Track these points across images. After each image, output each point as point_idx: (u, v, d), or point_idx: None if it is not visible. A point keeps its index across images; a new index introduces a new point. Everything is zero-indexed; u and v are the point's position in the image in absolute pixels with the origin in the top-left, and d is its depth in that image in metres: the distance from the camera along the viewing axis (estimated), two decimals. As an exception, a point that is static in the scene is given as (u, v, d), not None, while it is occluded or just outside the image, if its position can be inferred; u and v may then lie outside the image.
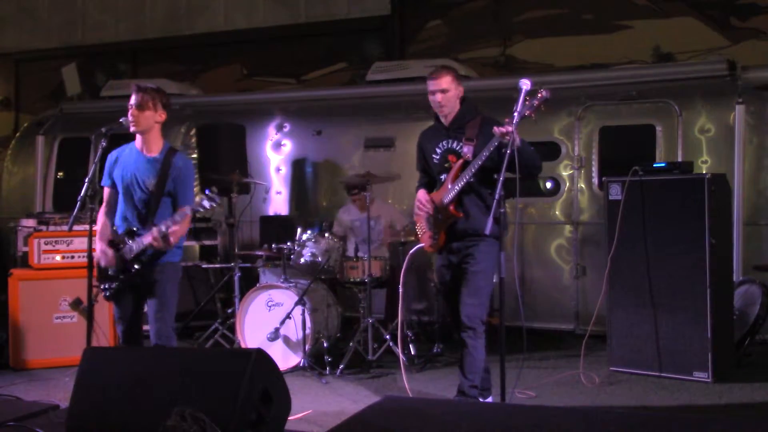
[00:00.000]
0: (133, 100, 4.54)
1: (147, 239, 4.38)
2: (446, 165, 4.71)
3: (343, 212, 7.30)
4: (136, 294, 4.55)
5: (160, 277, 4.50)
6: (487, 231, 4.20)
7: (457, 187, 4.57)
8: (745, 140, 6.71)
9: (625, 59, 8.59)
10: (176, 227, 4.36)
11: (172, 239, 4.38)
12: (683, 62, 8.49)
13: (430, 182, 4.93)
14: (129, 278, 4.48)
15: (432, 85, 4.67)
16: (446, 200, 4.63)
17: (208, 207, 4.36)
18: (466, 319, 4.53)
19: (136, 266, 4.46)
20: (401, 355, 5.66)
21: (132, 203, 4.55)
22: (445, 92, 4.65)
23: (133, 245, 4.45)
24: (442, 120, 4.77)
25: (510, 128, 4.22)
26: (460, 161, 4.62)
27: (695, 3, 9.04)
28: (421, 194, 4.82)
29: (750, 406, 4.98)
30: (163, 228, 4.35)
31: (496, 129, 4.30)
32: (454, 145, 4.69)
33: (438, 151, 4.77)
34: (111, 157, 4.66)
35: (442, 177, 4.74)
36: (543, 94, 4.33)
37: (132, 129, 4.55)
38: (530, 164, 4.48)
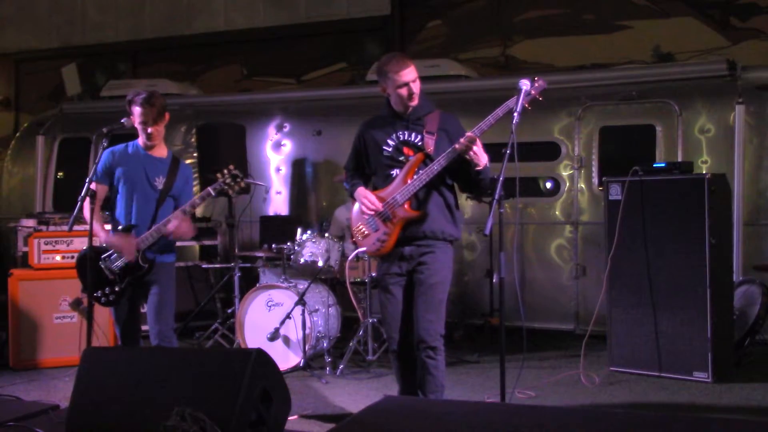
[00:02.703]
0: (148, 115, 4.38)
1: (172, 224, 4.38)
2: (401, 159, 4.15)
3: (340, 212, 7.28)
4: (131, 296, 4.56)
5: (156, 278, 4.52)
6: (487, 231, 3.87)
7: (418, 184, 4.05)
8: (745, 140, 6.71)
9: (625, 59, 8.59)
10: (194, 208, 4.51)
11: (186, 228, 4.45)
12: (683, 62, 8.49)
13: (364, 181, 4.39)
14: (136, 279, 4.47)
15: (405, 75, 4.05)
16: (401, 198, 4.08)
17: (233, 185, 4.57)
18: (429, 337, 4.04)
19: (143, 264, 4.45)
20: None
21: (138, 200, 4.51)
22: (416, 81, 4.10)
23: (148, 236, 4.42)
24: (398, 110, 4.19)
25: (477, 150, 3.96)
26: (420, 155, 4.09)
27: (695, 3, 9.03)
28: (365, 192, 4.22)
29: (750, 406, 4.98)
30: (188, 207, 4.42)
31: (457, 146, 3.97)
32: (413, 137, 4.14)
33: (390, 143, 4.17)
34: (108, 155, 4.52)
35: (393, 172, 4.15)
36: (540, 83, 4.03)
37: (151, 142, 4.51)
38: (485, 187, 4.17)
